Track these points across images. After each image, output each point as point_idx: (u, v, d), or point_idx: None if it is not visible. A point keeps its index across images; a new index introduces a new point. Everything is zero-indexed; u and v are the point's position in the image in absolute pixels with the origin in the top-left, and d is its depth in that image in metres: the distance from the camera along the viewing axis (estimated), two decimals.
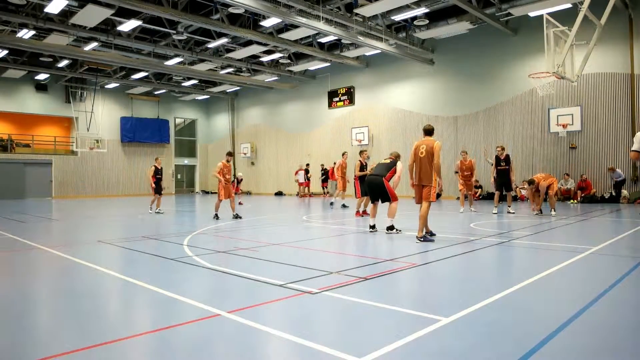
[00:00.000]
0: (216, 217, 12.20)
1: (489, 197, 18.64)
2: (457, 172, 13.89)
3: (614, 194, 16.12)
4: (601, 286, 4.54)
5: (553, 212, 11.97)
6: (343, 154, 16.36)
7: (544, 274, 5.11)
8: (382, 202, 8.77)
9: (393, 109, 22.90)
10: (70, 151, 28.96)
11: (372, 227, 8.90)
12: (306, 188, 25.11)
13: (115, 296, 4.75)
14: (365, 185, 9.43)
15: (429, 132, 8.03)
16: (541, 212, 12.07)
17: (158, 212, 14.47)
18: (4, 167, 25.60)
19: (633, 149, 6.45)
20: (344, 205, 15.67)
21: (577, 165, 17.38)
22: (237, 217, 12.25)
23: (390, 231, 8.56)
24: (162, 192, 15.17)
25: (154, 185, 14.80)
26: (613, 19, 14.21)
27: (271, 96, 29.50)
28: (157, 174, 14.96)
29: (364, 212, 12.42)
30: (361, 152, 12.95)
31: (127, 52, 21.41)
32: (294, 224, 11.14)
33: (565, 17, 13.57)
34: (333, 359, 2.85)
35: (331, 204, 16.76)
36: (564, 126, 17.11)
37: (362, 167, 12.57)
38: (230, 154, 12.76)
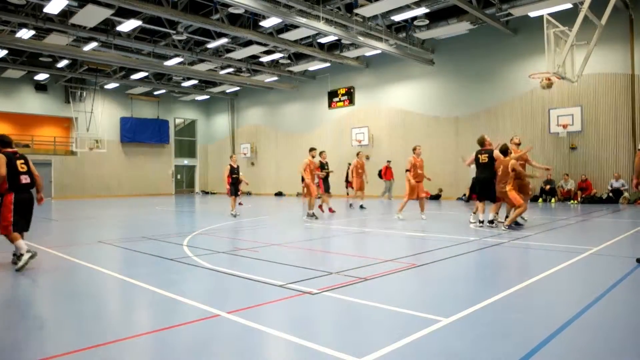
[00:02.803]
0: (313, 216, 11.90)
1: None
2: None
3: (611, 195, 16.12)
4: (601, 287, 4.54)
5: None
6: (358, 154, 15.74)
7: (544, 274, 5.10)
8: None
9: (393, 109, 22.88)
10: (69, 151, 28.94)
11: (491, 222, 9.25)
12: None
13: (115, 296, 4.75)
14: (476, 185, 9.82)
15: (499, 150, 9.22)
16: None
17: (234, 215, 12.88)
18: None
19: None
20: (361, 207, 14.99)
21: (577, 166, 17.37)
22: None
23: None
24: (239, 193, 13.38)
25: (228, 186, 12.97)
26: (613, 19, 14.19)
27: (271, 96, 29.48)
28: (233, 173, 13.08)
29: (328, 208, 13.00)
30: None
31: (126, 52, 21.38)
32: (294, 224, 11.13)
33: (566, 18, 13.55)
34: (333, 359, 2.85)
35: (350, 205, 15.67)
36: (564, 126, 17.09)
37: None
38: (314, 149, 12.11)
